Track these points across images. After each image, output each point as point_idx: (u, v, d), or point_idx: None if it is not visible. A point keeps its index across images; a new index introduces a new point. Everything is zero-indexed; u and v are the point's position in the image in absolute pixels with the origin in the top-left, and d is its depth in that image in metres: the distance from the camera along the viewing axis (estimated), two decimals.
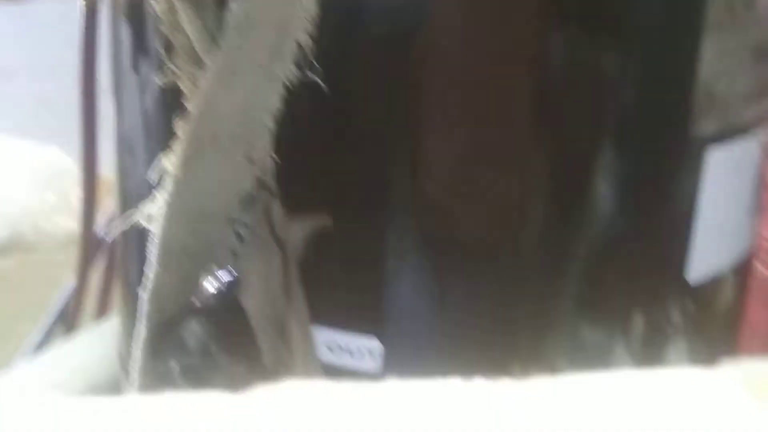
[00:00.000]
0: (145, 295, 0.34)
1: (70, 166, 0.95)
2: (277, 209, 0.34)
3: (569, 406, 0.18)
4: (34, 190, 0.99)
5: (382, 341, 0.35)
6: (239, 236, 0.34)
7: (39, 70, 1.05)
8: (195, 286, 0.34)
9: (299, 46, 0.31)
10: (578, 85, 0.34)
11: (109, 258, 0.57)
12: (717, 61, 0.35)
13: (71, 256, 0.57)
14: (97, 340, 0.49)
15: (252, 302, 0.34)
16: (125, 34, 0.38)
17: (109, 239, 0.55)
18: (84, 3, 0.45)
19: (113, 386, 0.45)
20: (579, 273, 0.35)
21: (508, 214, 0.35)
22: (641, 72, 0.34)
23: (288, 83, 0.32)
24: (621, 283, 0.36)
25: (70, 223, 0.92)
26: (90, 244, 0.56)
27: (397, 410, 0.18)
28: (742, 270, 0.42)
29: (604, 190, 0.35)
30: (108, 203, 0.52)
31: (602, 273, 0.36)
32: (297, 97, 0.32)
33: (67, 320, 0.60)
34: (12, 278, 0.90)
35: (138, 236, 0.37)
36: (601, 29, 0.33)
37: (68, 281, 0.59)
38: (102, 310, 0.58)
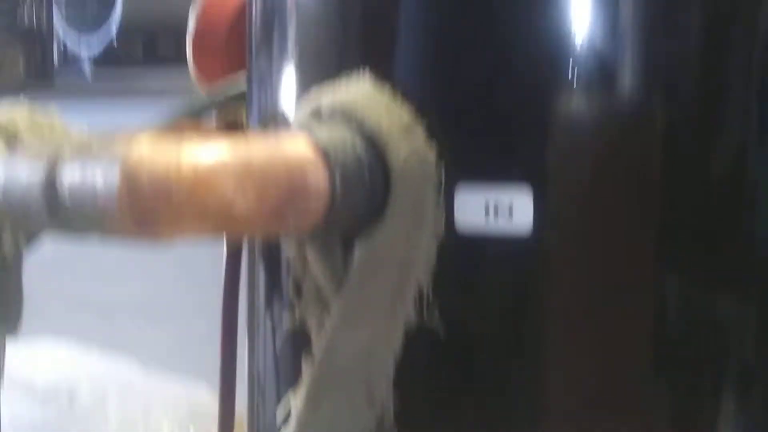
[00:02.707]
0: None
1: (213, 403, 0.97)
2: None
3: None
4: (178, 427, 1.01)
5: None
6: None
7: (187, 310, 1.09)
8: None
9: (419, 291, 0.33)
10: (697, 335, 0.34)
11: None
12: None
13: None
14: None
15: None
16: (261, 276, 0.40)
17: None
18: (227, 246, 0.47)
19: None
20: None
21: None
22: (761, 322, 0.34)
23: (408, 326, 0.33)
24: None
25: None
26: None
27: None
28: None
29: None
30: None
31: None
32: (416, 341, 0.33)
33: None
34: None
35: None
36: (718, 278, 0.34)
37: None
38: None
